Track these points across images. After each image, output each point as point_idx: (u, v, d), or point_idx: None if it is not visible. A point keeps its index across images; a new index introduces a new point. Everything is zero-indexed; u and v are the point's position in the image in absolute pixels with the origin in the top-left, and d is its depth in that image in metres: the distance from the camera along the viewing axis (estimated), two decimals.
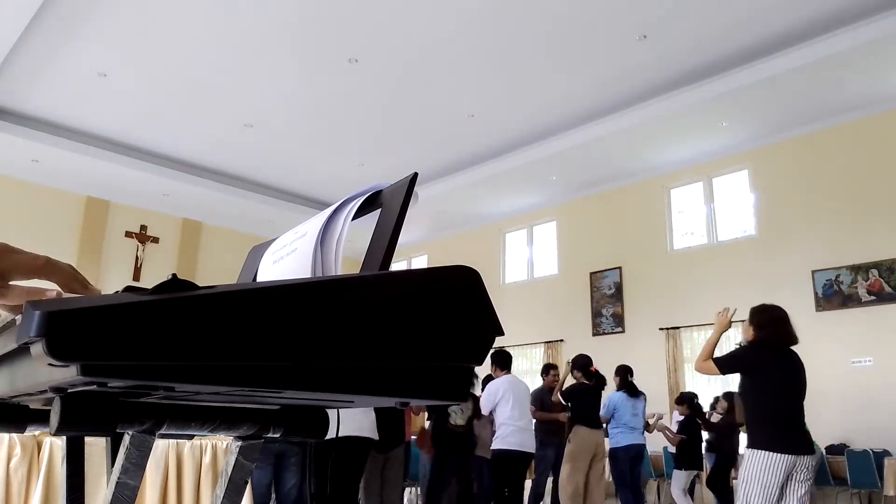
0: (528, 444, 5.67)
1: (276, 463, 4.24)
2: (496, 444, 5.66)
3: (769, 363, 3.41)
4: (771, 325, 3.45)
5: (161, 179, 10.95)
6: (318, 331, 0.52)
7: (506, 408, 5.64)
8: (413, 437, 6.19)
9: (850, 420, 7.95)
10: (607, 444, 6.42)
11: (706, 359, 3.54)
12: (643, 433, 6.43)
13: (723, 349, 3.85)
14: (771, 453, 3.23)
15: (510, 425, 5.61)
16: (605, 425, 6.43)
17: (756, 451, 3.29)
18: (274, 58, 8.03)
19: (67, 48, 7.82)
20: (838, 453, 7.55)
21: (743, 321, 3.78)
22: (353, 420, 4.19)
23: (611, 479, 6.71)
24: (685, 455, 6.94)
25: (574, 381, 6.34)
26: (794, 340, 3.48)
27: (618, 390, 6.49)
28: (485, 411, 5.74)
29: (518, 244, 12.78)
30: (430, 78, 8.41)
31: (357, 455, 4.33)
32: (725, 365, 3.49)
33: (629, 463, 6.27)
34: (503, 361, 6.05)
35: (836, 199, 8.69)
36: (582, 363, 6.24)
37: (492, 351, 5.62)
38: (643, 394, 6.61)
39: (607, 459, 6.39)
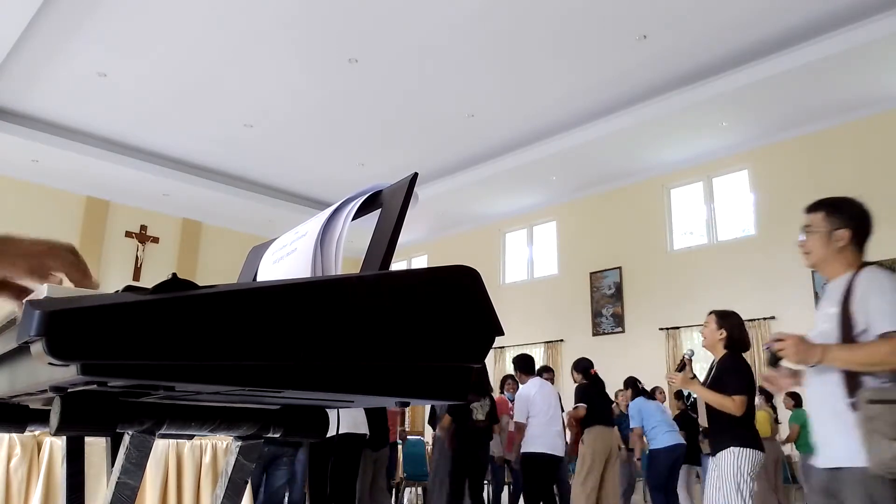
0: (556, 446, 5.67)
1: (267, 463, 4.26)
2: (525, 448, 5.68)
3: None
4: (738, 329, 3.51)
5: (161, 179, 10.95)
6: (319, 331, 0.52)
7: (535, 411, 5.69)
8: (438, 433, 6.27)
9: None
10: (648, 446, 6.47)
11: (721, 402, 3.31)
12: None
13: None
14: (745, 449, 3.21)
15: (538, 428, 5.65)
16: (635, 429, 6.55)
17: (731, 449, 3.20)
18: (274, 58, 8.03)
19: (67, 48, 7.82)
20: None
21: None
22: (347, 416, 4.21)
23: (642, 479, 6.68)
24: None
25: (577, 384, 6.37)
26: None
27: (633, 399, 6.63)
28: (521, 418, 5.76)
29: (518, 244, 12.77)
30: (430, 78, 8.41)
31: (355, 452, 4.36)
32: (741, 392, 3.27)
33: (670, 465, 6.22)
34: (527, 366, 6.05)
35: None
36: (583, 366, 6.28)
37: (515, 356, 5.53)
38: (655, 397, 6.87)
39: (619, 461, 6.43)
